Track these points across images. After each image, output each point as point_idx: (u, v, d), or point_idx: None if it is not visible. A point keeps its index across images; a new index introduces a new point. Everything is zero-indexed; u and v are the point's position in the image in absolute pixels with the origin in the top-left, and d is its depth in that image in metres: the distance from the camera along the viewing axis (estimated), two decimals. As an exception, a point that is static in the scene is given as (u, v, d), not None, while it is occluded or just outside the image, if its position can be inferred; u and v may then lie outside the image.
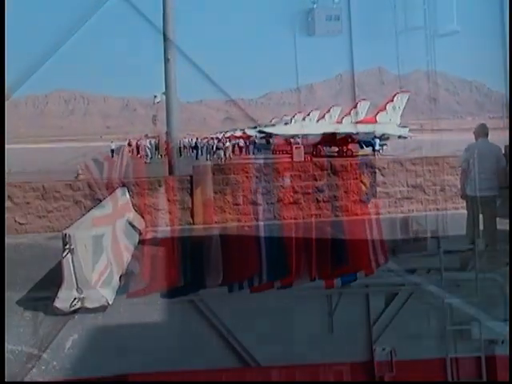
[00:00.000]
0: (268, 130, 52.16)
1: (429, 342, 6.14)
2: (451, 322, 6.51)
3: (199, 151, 52.19)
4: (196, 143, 55.50)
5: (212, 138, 69.31)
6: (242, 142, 56.48)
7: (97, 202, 12.46)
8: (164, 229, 13.97)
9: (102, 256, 8.12)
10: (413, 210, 15.74)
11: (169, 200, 14.49)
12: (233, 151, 46.19)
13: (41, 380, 6.55)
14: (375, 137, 44.65)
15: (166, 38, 15.64)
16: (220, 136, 73.10)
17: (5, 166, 9.67)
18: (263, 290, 7.79)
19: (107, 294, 7.27)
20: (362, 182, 15.57)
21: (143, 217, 13.65)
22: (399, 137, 52.19)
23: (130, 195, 13.67)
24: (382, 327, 6.73)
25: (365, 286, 8.07)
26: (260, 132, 52.41)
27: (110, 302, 7.23)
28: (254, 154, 55.94)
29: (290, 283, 8.06)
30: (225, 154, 44.63)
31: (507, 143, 10.63)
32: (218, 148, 60.63)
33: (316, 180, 15.36)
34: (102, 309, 7.09)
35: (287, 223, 14.79)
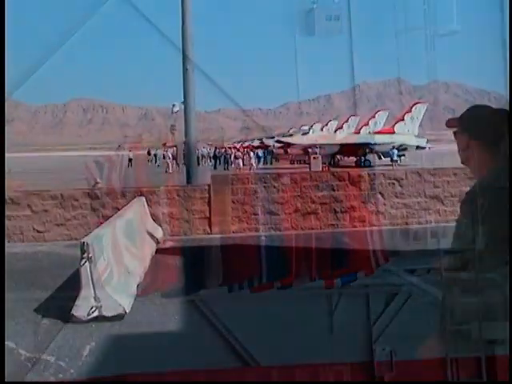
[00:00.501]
0: (286, 139, 52.19)
1: (428, 342, 6.16)
2: (451, 321, 6.54)
3: (217, 161, 52.36)
4: (214, 153, 55.68)
5: (230, 148, 69.66)
6: (260, 152, 56.54)
7: (115, 210, 12.53)
8: (181, 238, 14.04)
9: (119, 265, 8.16)
10: (431, 221, 15.63)
11: (187, 209, 14.59)
12: (250, 161, 46.20)
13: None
14: (393, 147, 44.41)
15: (184, 50, 15.82)
16: (238, 145, 73.38)
17: (5, 167, 9.74)
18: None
19: (124, 303, 7.29)
20: (379, 192, 15.51)
21: (161, 226, 13.71)
22: (417, 147, 51.83)
23: (147, 204, 13.74)
24: (382, 327, 6.84)
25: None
26: (278, 142, 52.48)
27: (127, 311, 7.24)
28: (271, 163, 56.04)
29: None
30: (243, 163, 44.71)
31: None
32: (236, 157, 61.06)
33: (334, 190, 15.34)
34: (119, 317, 7.11)
35: (305, 234, 14.75)
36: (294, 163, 58.89)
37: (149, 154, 60.37)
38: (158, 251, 11.49)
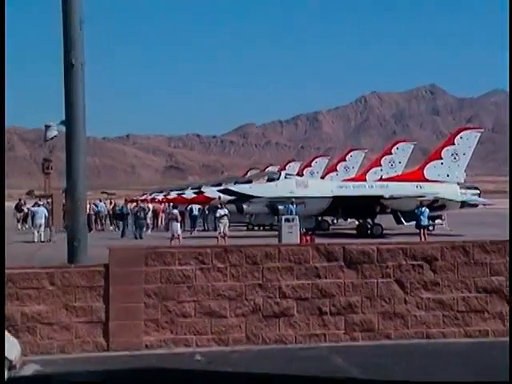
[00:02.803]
0: (240, 189, 52.25)
1: None
2: None
3: (125, 223, 52.03)
4: (121, 209, 55.40)
5: (146, 201, 69.19)
6: (196, 209, 56.44)
7: None
8: (53, 358, 13.78)
9: None
10: (487, 332, 15.76)
11: (66, 308, 14.36)
12: (182, 222, 45.86)
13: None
14: (421, 204, 45.01)
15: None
16: (160, 197, 73.03)
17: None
18: None
19: None
20: (396, 281, 15.62)
21: (18, 338, 13.35)
22: (463, 204, 52.72)
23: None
24: None
25: None
26: (227, 192, 52.42)
27: None
28: (215, 228, 55.95)
29: None
30: (167, 228, 44.16)
31: None
32: (156, 217, 60.55)
33: (319, 277, 15.36)
34: None
35: (270, 350, 14.60)
36: (253, 228, 58.97)
37: (19, 209, 59.47)
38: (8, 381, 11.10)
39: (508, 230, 15.69)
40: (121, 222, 53.75)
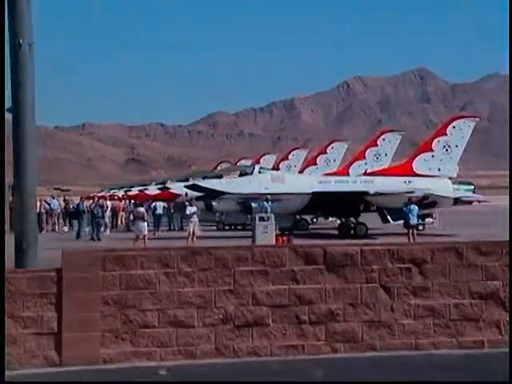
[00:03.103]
0: (209, 184, 52.24)
1: None
2: None
3: (80, 222, 51.85)
4: (77, 207, 55.21)
5: (104, 198, 69.09)
6: (160, 206, 56.43)
7: None
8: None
9: None
10: (482, 343, 15.81)
11: (13, 318, 14.23)
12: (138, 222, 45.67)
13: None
14: (410, 201, 45.10)
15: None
16: (120, 193, 72.99)
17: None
18: None
19: None
20: (382, 286, 15.64)
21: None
22: (456, 201, 52.91)
23: None
24: None
25: None
26: (194, 188, 52.39)
27: None
28: (182, 228, 55.77)
29: None
30: (129, 227, 43.86)
31: None
32: (115, 216, 60.39)
33: (297, 282, 15.34)
34: None
35: (243, 365, 14.58)
36: (224, 228, 59.02)
37: None
38: None
39: (508, 230, 15.77)
40: (76, 222, 53.55)
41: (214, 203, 52.15)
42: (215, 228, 57.58)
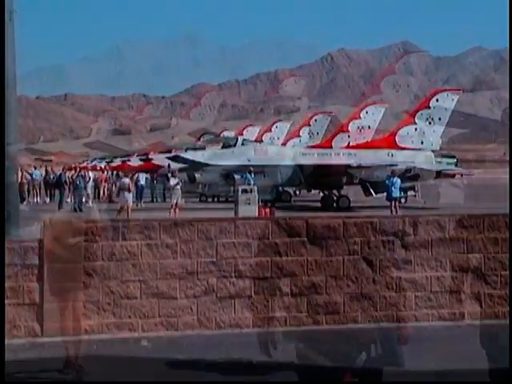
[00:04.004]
0: (192, 156, 52.12)
1: None
2: None
3: (65, 192, 51.62)
4: (59, 177, 54.86)
5: (86, 169, 68.70)
6: (142, 177, 56.27)
7: None
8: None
9: None
10: (462, 315, 15.92)
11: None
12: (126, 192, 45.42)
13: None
14: (392, 174, 45.11)
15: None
16: (102, 165, 72.57)
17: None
18: None
19: None
20: (364, 258, 15.70)
21: None
22: (438, 174, 52.99)
23: None
24: None
25: None
26: (176, 159, 52.27)
27: None
28: (165, 199, 55.64)
29: None
30: (111, 198, 43.68)
31: None
32: (97, 187, 60.06)
33: (280, 254, 15.39)
34: None
35: (225, 336, 14.65)
36: (206, 200, 59.04)
37: None
38: None
39: (508, 206, 15.73)
40: (58, 192, 53.25)
41: (196, 175, 51.96)
42: (198, 200, 57.49)
